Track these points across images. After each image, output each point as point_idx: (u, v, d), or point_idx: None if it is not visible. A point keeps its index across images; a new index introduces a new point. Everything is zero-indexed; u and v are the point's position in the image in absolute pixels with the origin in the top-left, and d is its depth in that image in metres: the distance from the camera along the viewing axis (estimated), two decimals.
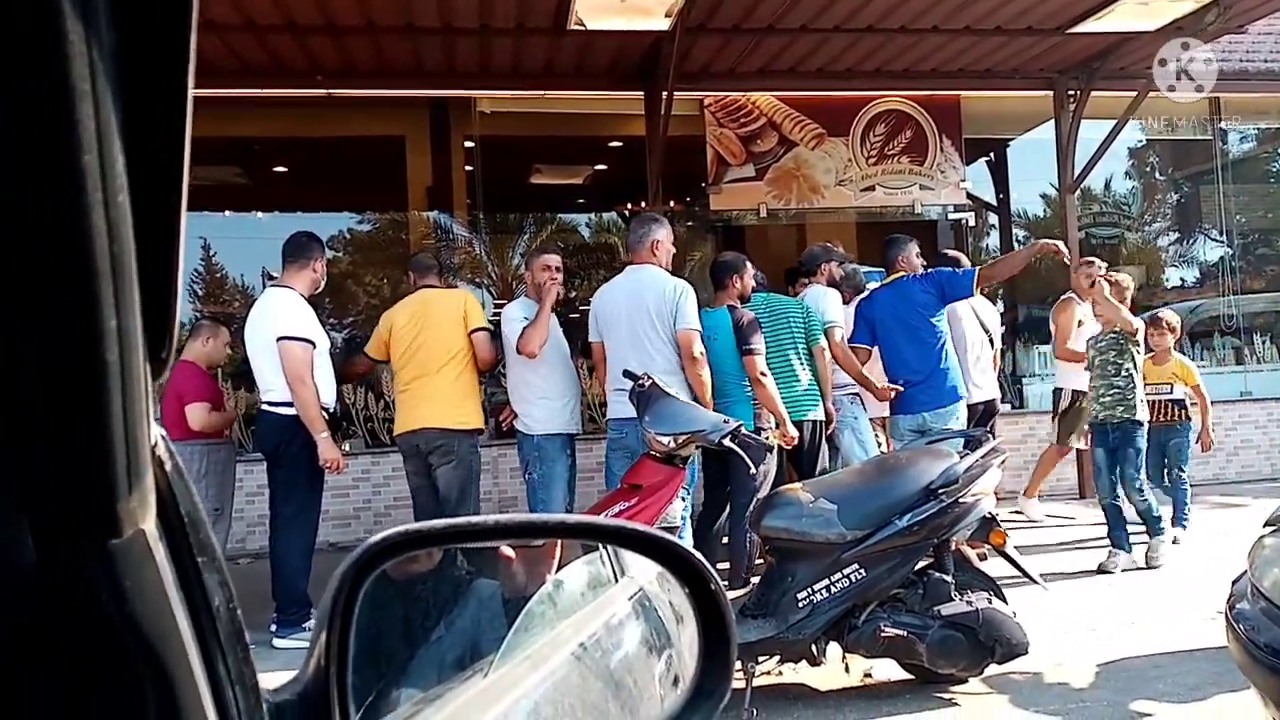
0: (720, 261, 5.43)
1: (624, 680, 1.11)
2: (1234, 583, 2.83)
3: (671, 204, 8.47)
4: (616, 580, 1.17)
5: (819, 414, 5.32)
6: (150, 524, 0.46)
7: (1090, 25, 6.87)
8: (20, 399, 0.39)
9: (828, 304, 5.59)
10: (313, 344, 4.72)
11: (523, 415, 4.96)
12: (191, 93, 0.39)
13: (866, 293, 5.80)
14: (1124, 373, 5.51)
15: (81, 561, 0.43)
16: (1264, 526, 2.73)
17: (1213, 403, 8.73)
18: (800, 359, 5.31)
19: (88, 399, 0.40)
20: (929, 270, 5.54)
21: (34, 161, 0.35)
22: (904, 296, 5.28)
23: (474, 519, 0.79)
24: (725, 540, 5.29)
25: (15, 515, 0.41)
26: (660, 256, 4.82)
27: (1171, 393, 6.19)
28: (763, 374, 4.92)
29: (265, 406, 4.84)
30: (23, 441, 0.40)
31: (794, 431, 5.00)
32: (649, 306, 4.66)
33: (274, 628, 4.70)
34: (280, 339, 4.67)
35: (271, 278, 8.19)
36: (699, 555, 0.76)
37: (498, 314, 8.78)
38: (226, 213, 8.58)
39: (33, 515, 0.42)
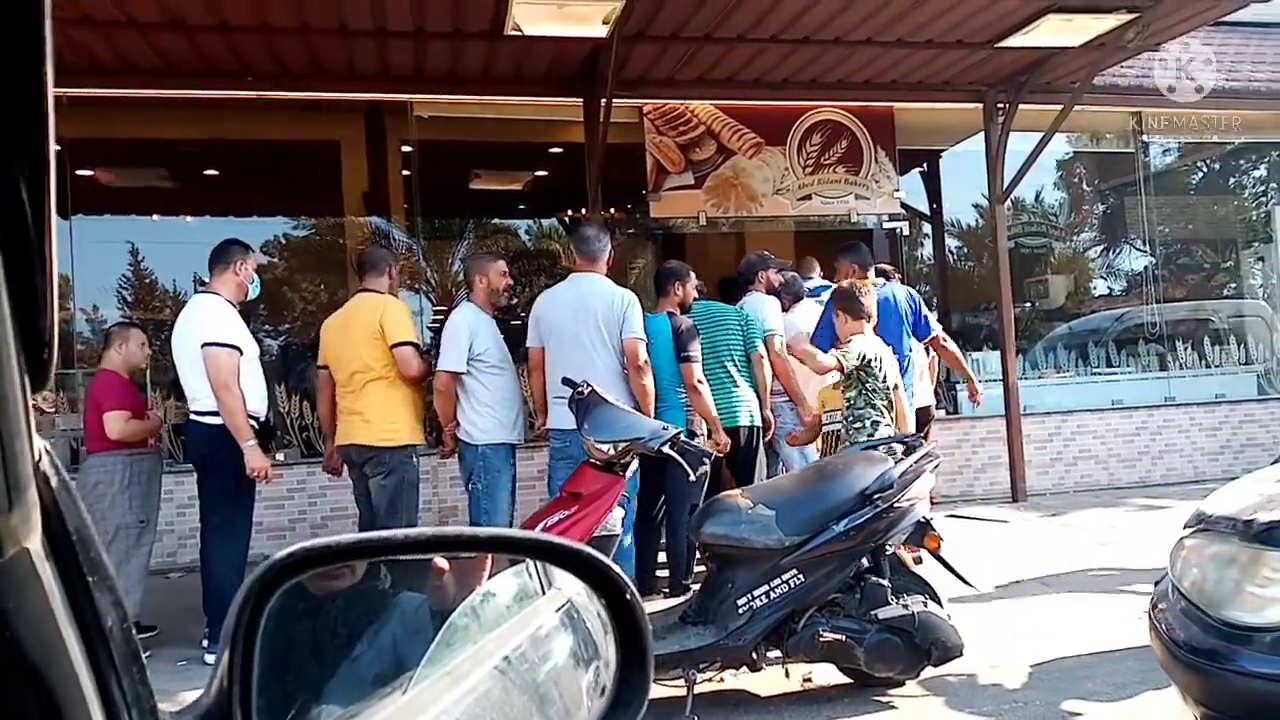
0: (664, 268, 5.52)
1: (550, 693, 1.09)
2: (1156, 584, 2.91)
3: (612, 211, 8.47)
4: (544, 592, 1.15)
5: (756, 420, 5.36)
6: (35, 542, 0.44)
7: (1018, 40, 7.06)
8: None
9: (767, 312, 5.64)
10: (239, 350, 4.61)
11: (465, 424, 4.85)
12: (51, 83, 0.36)
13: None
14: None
15: None
16: (1184, 528, 2.81)
17: (1138, 407, 9.12)
18: (738, 366, 5.35)
19: None
20: (912, 298, 5.73)
21: None
22: (889, 308, 5.33)
23: (384, 534, 0.77)
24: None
25: None
26: (607, 266, 4.92)
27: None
28: (699, 381, 4.95)
29: (193, 416, 4.72)
30: None
31: (725, 439, 5.03)
32: (597, 313, 4.66)
33: (205, 643, 4.58)
34: (205, 345, 4.56)
35: (203, 283, 8.00)
36: (614, 565, 0.75)
37: (437, 320, 8.73)
38: (155, 216, 8.36)
39: None
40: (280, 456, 6.94)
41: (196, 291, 5.46)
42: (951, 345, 6.00)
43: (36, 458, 0.45)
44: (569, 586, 1.16)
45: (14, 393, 0.40)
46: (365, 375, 4.78)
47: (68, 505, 0.51)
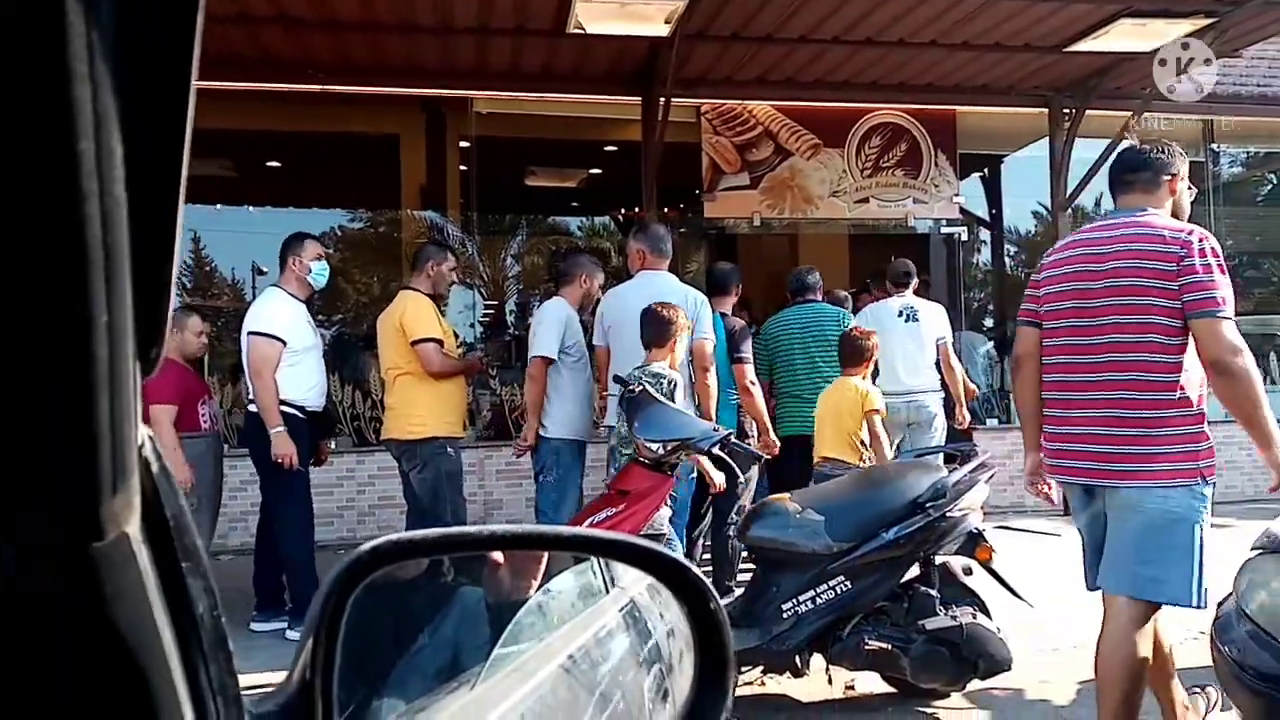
0: (725, 268, 5.53)
1: (612, 694, 1.09)
2: (1219, 605, 2.83)
3: (665, 210, 8.46)
4: (607, 591, 1.15)
5: None
6: (134, 527, 0.44)
7: (1087, 44, 6.91)
8: (4, 397, 0.37)
9: (941, 319, 5.97)
10: (281, 341, 4.69)
11: (542, 416, 4.79)
12: (195, 81, 0.37)
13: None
14: None
15: (62, 565, 0.41)
16: (1251, 550, 2.73)
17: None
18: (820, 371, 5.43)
19: (75, 396, 0.38)
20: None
21: (27, 147, 0.33)
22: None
23: (467, 529, 0.77)
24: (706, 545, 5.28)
25: None
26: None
27: None
28: (751, 382, 4.92)
29: (249, 406, 4.83)
30: (6, 442, 0.38)
31: (775, 440, 5.02)
32: None
33: (252, 625, 4.74)
34: (249, 334, 4.68)
35: (261, 272, 8.13)
36: (701, 575, 0.74)
37: (488, 314, 8.77)
38: (218, 205, 8.53)
39: (14, 518, 0.40)
40: (332, 445, 7.04)
41: (259, 283, 5.58)
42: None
43: (140, 443, 0.46)
44: (632, 586, 1.17)
45: (127, 380, 0.40)
46: (395, 370, 4.88)
47: (166, 491, 0.52)
